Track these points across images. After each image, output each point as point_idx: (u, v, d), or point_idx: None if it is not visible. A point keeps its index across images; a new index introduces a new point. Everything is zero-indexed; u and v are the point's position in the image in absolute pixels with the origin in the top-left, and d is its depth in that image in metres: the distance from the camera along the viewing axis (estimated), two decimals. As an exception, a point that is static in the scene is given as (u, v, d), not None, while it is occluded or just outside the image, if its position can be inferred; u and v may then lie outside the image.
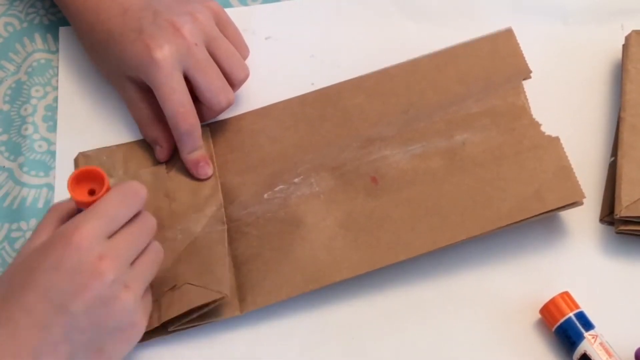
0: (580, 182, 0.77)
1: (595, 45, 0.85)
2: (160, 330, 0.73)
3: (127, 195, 0.68)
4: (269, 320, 0.75)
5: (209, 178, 0.80)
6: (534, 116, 0.79)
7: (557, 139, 0.76)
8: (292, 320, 0.75)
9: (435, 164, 0.77)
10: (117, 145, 0.83)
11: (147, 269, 0.69)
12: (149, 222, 0.70)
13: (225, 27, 0.83)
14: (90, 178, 0.69)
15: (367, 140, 0.79)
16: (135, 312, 0.67)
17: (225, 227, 0.77)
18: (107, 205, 0.67)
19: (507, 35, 0.83)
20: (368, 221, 0.76)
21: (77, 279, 0.64)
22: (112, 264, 0.65)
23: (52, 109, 0.85)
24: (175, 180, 0.80)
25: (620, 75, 0.82)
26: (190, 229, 0.77)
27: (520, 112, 0.78)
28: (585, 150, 0.81)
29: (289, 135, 0.82)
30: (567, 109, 0.83)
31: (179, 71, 0.77)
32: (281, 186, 0.79)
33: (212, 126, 0.83)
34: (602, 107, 0.83)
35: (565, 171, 0.75)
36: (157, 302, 0.73)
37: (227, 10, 0.85)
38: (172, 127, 0.78)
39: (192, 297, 0.72)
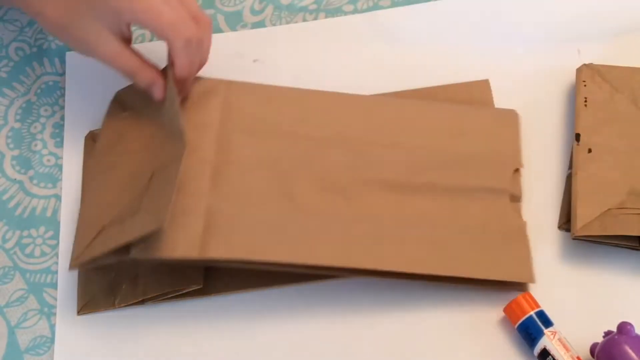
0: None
1: (554, 68, 0.87)
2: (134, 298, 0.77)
3: None
4: (264, 319, 0.77)
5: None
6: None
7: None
8: (279, 321, 0.78)
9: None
10: None
11: None
12: None
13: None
14: None
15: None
16: None
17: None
18: None
19: (483, 86, 0.86)
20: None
21: None
22: None
23: (59, 126, 0.87)
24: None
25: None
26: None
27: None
28: (546, 163, 0.83)
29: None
30: (529, 127, 0.84)
31: None
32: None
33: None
34: (560, 125, 0.84)
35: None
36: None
37: (218, 36, 0.88)
38: (170, 39, 0.76)
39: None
